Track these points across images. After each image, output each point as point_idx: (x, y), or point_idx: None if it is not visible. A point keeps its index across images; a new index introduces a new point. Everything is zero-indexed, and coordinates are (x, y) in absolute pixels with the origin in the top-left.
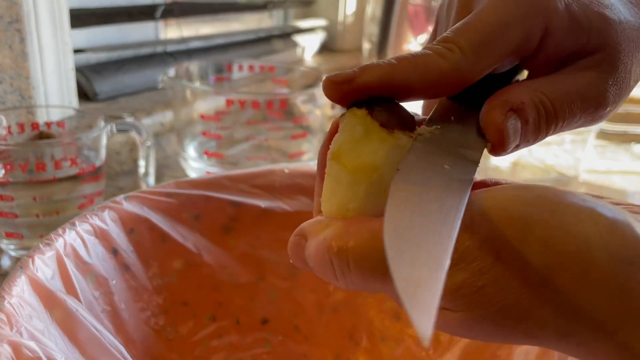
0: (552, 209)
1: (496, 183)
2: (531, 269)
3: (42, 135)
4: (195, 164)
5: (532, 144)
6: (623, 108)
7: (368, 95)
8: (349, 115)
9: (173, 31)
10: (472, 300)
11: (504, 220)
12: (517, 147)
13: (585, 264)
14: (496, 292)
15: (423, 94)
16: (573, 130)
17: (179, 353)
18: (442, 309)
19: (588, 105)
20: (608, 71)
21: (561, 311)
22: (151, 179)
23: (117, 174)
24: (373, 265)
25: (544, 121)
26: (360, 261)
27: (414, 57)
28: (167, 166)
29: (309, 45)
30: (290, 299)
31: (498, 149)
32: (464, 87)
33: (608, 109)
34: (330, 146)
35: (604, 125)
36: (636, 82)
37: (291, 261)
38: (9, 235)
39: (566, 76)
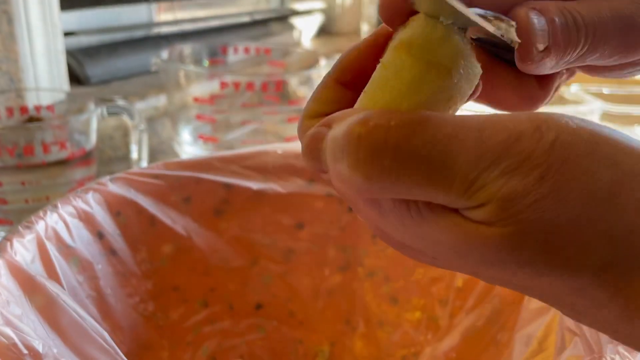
0: (620, 133)
1: None
2: (596, 182)
3: (32, 119)
4: (189, 149)
5: (567, 55)
6: (627, 89)
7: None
8: (424, 17)
9: (167, 14)
10: (527, 211)
11: (572, 130)
12: (549, 56)
13: None
14: (555, 204)
15: None
16: (576, 112)
17: (170, 339)
18: (487, 224)
19: (623, 28)
20: None
21: (616, 233)
22: (144, 164)
23: (111, 159)
24: (414, 155)
25: (573, 28)
26: (401, 143)
27: None
28: (161, 151)
29: (306, 28)
30: (284, 284)
31: (526, 49)
32: None
33: None
34: (396, 37)
35: (607, 106)
36: None
37: (303, 158)
38: None
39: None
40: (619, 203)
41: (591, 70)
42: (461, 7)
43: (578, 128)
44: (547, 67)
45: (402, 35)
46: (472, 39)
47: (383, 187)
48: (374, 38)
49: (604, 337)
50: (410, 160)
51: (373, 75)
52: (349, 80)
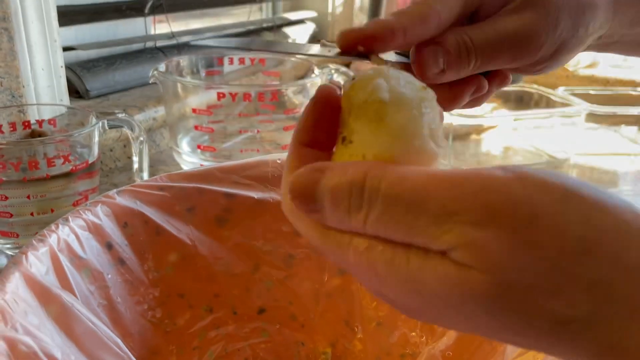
0: (593, 188)
1: None
2: (568, 238)
3: (34, 133)
4: (188, 158)
5: (462, 71)
6: (612, 90)
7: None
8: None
9: (163, 26)
10: (503, 261)
11: (544, 187)
12: (444, 75)
13: (622, 243)
14: (530, 257)
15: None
16: (563, 114)
17: (177, 344)
18: (468, 267)
19: (517, 43)
20: (533, 13)
21: (595, 286)
22: (145, 174)
23: (112, 171)
24: (409, 201)
25: (464, 52)
26: (396, 190)
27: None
28: (161, 161)
29: (299, 37)
30: (285, 288)
31: (419, 67)
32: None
33: (541, 51)
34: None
35: (593, 107)
36: (567, 31)
37: (290, 200)
38: (4, 235)
39: (495, 20)
40: (591, 258)
41: (503, 72)
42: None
43: (551, 184)
44: (447, 79)
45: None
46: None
47: (379, 229)
48: (314, 102)
49: None
50: (395, 207)
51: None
52: (310, 140)
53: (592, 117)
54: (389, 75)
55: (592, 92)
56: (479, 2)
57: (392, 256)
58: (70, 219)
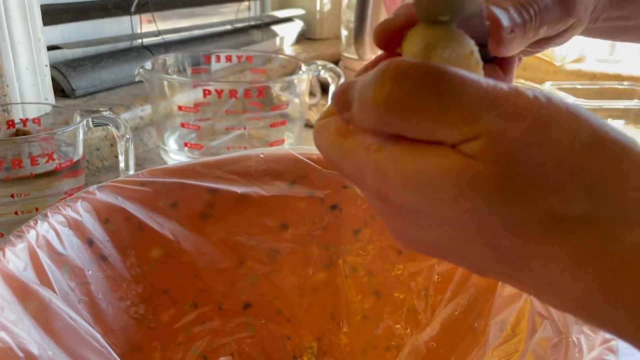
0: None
1: None
2: (577, 141)
3: (19, 132)
4: (176, 157)
5: (527, 31)
6: (599, 84)
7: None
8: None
9: (149, 25)
10: (515, 153)
11: (559, 101)
12: (516, 36)
13: (621, 151)
14: (540, 153)
15: None
16: None
17: (161, 340)
18: (480, 159)
19: (563, 3)
20: None
21: (594, 187)
22: (131, 173)
23: (99, 170)
24: (429, 86)
25: (524, 9)
26: (421, 75)
27: None
28: (148, 160)
29: (287, 34)
30: (270, 283)
31: (498, 35)
32: None
33: (577, 11)
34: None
35: (580, 101)
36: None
37: (332, 100)
38: None
39: None
40: (594, 160)
41: (539, 44)
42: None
43: (564, 103)
44: (515, 46)
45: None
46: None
47: (399, 114)
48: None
49: (570, 319)
50: (425, 89)
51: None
52: None
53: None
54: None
55: (579, 86)
56: None
57: (401, 153)
58: (49, 215)
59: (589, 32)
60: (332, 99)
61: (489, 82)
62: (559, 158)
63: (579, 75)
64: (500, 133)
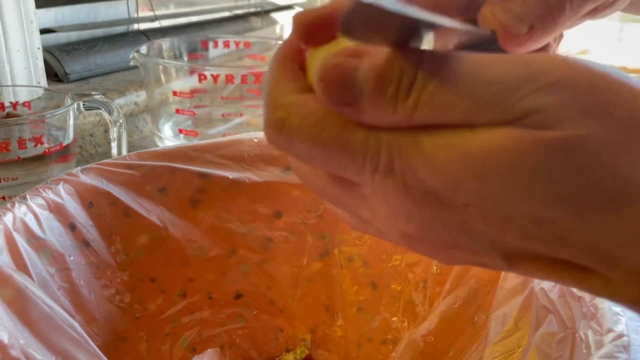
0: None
1: None
2: (638, 106)
3: (9, 115)
4: (171, 143)
5: (560, 21)
6: None
7: None
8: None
9: (146, 10)
10: (580, 118)
11: (600, 65)
12: (536, 33)
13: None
14: (605, 118)
15: None
16: None
17: (148, 330)
18: (542, 127)
19: None
20: None
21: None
22: None
23: (92, 156)
24: (476, 73)
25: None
26: (460, 64)
27: None
28: (143, 147)
29: (287, 22)
30: (263, 273)
31: (508, 37)
32: None
33: None
34: None
35: None
36: None
37: (325, 88)
38: None
39: None
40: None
41: (592, 13)
42: (436, 18)
43: (606, 67)
44: (545, 39)
45: None
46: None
47: (437, 105)
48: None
49: (577, 314)
50: (459, 77)
51: None
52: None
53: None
54: None
55: None
56: None
57: (446, 138)
58: (28, 197)
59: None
60: (325, 84)
61: (518, 54)
62: (623, 120)
63: None
64: (554, 103)
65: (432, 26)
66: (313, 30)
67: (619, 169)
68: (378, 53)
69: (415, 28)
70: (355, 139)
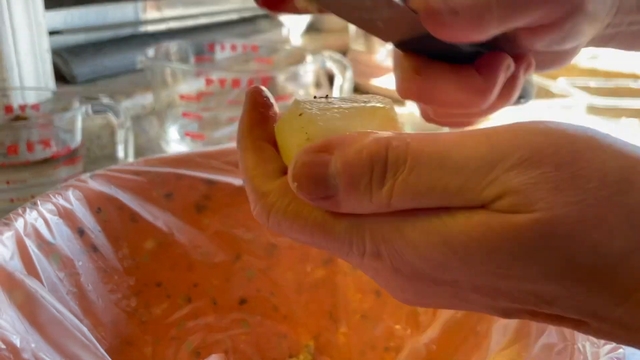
0: (610, 136)
1: None
2: (609, 169)
3: (18, 118)
4: (177, 146)
5: (481, 20)
6: (613, 82)
7: None
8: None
9: (154, 12)
10: (550, 197)
11: (572, 128)
12: (458, 19)
13: None
14: (575, 189)
15: None
16: (563, 105)
17: (153, 334)
18: (515, 212)
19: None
20: None
21: (631, 216)
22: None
23: (98, 158)
24: (443, 160)
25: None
26: (427, 152)
27: None
28: (149, 149)
29: (295, 25)
30: (267, 279)
31: (432, 17)
32: None
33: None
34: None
35: (593, 99)
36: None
37: (300, 186)
38: None
39: None
40: (630, 186)
41: (531, 34)
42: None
43: (575, 127)
44: (467, 30)
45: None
46: (405, 48)
47: (410, 194)
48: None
49: None
50: (428, 167)
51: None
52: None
53: (592, 110)
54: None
55: (592, 84)
56: None
57: (426, 225)
58: (39, 202)
59: (604, 41)
60: (299, 184)
61: (491, 132)
62: (595, 191)
63: (593, 72)
64: (525, 185)
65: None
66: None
67: (596, 244)
68: (347, 145)
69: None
70: (339, 228)
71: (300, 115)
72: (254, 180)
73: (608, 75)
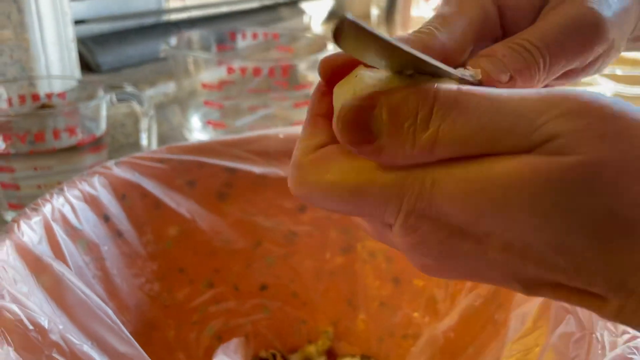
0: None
1: None
2: (629, 141)
3: (44, 106)
4: (199, 135)
5: (536, 74)
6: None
7: None
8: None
9: (176, 0)
10: (596, 143)
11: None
12: (516, 84)
13: None
14: (620, 142)
15: None
16: None
17: (176, 319)
18: (562, 154)
19: (583, 26)
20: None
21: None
22: None
23: (122, 146)
24: (494, 105)
25: (525, 52)
26: (477, 97)
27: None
28: (172, 137)
29: (316, 13)
30: (287, 266)
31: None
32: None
33: (606, 34)
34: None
35: (620, 87)
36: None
37: (343, 132)
38: (12, 207)
39: (545, 17)
40: None
41: (565, 76)
42: (430, 60)
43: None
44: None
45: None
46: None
47: (457, 138)
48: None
49: (594, 315)
50: (477, 110)
51: None
52: (327, 110)
53: (619, 98)
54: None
55: (619, 72)
56: (500, 21)
57: (464, 172)
58: (65, 189)
59: (628, 48)
60: (342, 125)
61: (535, 90)
62: (637, 146)
63: (620, 60)
64: (572, 130)
65: (418, 60)
66: (337, 74)
67: (637, 196)
68: (394, 92)
69: (403, 58)
70: (376, 186)
71: (355, 77)
72: (295, 153)
73: (635, 63)
